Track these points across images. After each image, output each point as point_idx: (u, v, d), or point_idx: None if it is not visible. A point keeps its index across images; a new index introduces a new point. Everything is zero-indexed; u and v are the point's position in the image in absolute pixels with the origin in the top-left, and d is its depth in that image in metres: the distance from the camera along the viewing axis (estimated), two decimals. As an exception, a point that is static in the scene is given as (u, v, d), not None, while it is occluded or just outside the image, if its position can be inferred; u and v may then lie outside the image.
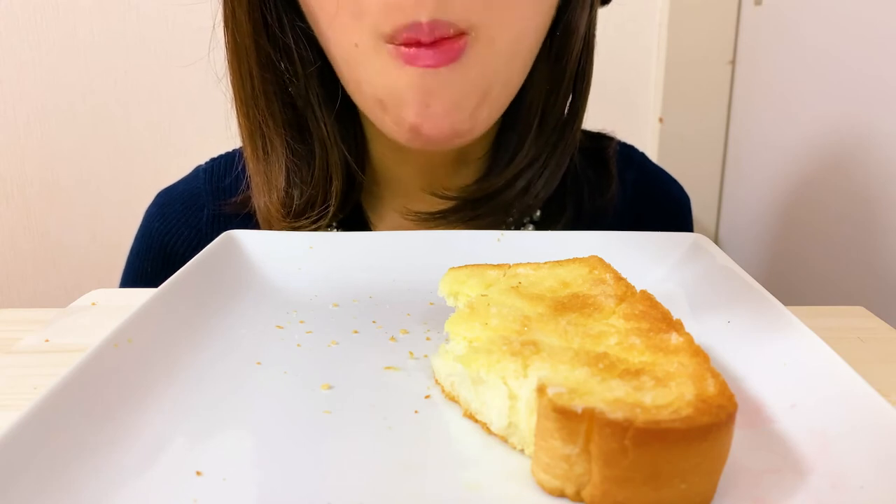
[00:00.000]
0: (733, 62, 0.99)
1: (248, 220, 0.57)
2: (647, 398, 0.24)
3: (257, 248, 0.44)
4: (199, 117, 1.05)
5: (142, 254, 0.62)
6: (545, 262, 0.37)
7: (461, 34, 0.42)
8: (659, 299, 0.32)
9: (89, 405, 0.27)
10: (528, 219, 0.58)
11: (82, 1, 1.01)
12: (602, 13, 0.56)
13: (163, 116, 1.06)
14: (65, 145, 1.06)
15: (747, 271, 0.39)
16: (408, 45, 0.42)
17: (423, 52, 0.42)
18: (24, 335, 0.38)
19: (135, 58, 1.03)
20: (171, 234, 0.61)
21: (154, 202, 0.64)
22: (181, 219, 0.61)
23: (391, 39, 0.42)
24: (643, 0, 1.01)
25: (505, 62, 0.45)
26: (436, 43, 0.42)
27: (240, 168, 0.57)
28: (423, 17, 0.40)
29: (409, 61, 0.42)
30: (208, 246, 0.42)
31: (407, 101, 0.44)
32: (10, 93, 1.03)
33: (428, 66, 0.42)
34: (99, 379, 0.28)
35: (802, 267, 0.79)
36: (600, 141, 0.62)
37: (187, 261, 0.39)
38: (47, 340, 0.38)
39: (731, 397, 0.24)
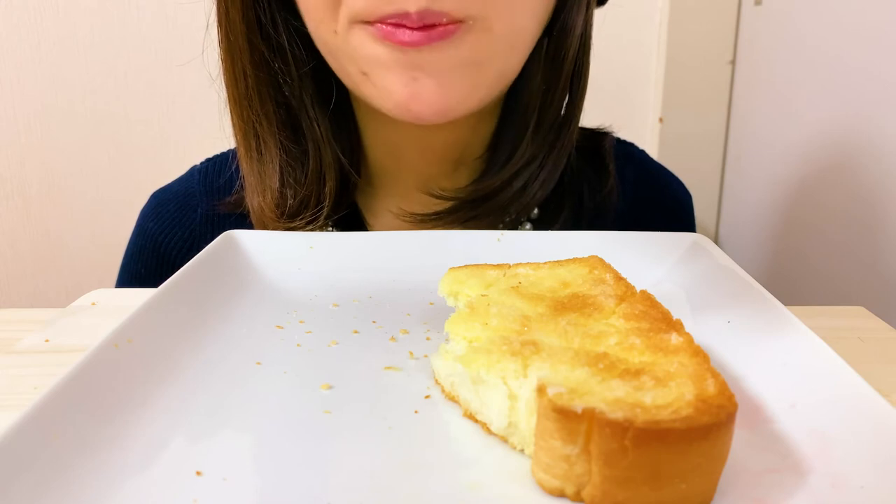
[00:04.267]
0: (733, 62, 0.99)
1: (242, 220, 0.57)
2: (647, 398, 0.24)
3: (257, 248, 0.44)
4: (200, 118, 1.05)
5: (136, 254, 0.62)
6: (545, 262, 0.37)
7: (456, 22, 0.41)
8: (659, 299, 0.32)
9: (89, 405, 0.27)
10: (525, 217, 0.57)
11: (82, 1, 1.01)
12: (602, 13, 0.55)
13: (162, 116, 1.06)
14: (65, 145, 1.06)
15: (747, 271, 0.39)
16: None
17: (402, 30, 0.41)
18: (24, 335, 0.38)
19: (135, 58, 1.03)
20: (165, 235, 0.61)
21: (148, 202, 0.64)
22: (175, 219, 0.61)
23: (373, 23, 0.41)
24: (643, 0, 1.01)
25: (502, 48, 0.44)
26: (423, 27, 0.41)
27: (234, 168, 0.57)
28: (412, 7, 0.40)
29: (386, 36, 0.41)
30: (208, 246, 0.42)
31: (391, 71, 0.43)
32: (10, 93, 1.03)
33: (405, 44, 0.41)
34: (99, 379, 0.28)
35: (802, 267, 0.79)
36: (597, 138, 0.62)
37: (181, 261, 0.39)
38: (47, 340, 0.38)
39: (731, 397, 0.24)
